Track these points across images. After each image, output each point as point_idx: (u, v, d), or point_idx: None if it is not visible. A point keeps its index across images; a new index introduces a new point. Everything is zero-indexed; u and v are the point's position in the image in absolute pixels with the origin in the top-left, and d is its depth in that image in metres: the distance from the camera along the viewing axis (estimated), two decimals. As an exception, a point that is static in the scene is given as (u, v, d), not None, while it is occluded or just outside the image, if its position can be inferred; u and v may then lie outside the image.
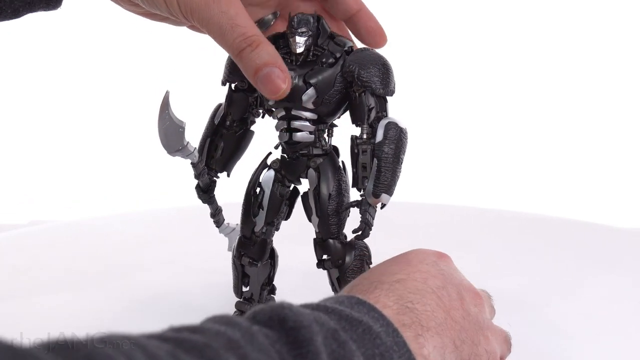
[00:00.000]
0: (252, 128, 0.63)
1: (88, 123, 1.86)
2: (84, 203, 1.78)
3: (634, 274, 0.80)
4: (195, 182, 0.63)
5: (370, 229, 0.55)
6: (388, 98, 0.56)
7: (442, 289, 0.47)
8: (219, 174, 0.63)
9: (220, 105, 0.62)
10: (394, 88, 0.56)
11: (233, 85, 0.60)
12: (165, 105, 0.59)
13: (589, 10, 1.83)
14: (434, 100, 1.78)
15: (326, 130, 0.58)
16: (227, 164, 0.62)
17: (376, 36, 0.59)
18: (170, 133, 0.59)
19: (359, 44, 0.59)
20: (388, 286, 0.45)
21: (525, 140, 1.85)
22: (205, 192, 0.63)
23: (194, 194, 0.64)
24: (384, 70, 0.55)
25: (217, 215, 0.65)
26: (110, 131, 1.85)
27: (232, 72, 0.59)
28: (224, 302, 0.65)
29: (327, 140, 0.58)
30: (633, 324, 0.67)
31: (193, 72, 1.71)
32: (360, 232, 0.54)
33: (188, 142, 0.60)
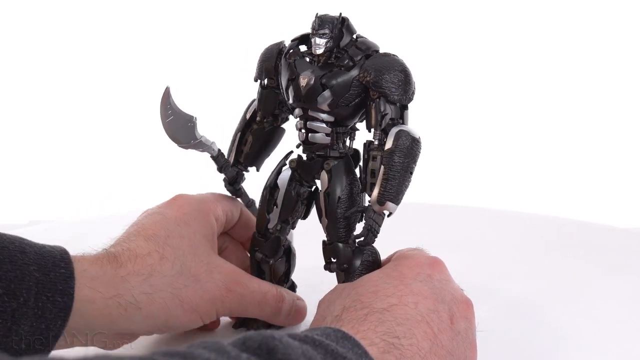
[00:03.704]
0: (285, 126, 0.63)
1: (88, 123, 1.86)
2: (84, 203, 1.78)
3: (637, 275, 0.80)
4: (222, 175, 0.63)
5: (375, 236, 0.54)
6: (409, 105, 0.55)
7: (432, 312, 0.48)
8: (248, 168, 0.63)
9: (254, 100, 0.62)
10: (412, 95, 0.55)
11: (264, 82, 0.60)
12: (165, 99, 0.59)
13: (589, 11, 1.83)
14: (435, 100, 1.78)
15: (347, 133, 0.58)
16: (256, 159, 0.63)
17: None
18: (177, 127, 0.60)
19: (383, 49, 0.58)
20: (378, 316, 0.46)
21: (526, 140, 1.85)
22: (232, 184, 0.63)
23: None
24: (402, 76, 0.54)
25: (249, 207, 0.65)
26: (110, 131, 1.85)
27: (262, 70, 0.59)
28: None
29: (347, 143, 0.58)
30: (636, 326, 0.67)
31: (195, 70, 1.71)
32: (362, 238, 0.54)
33: (203, 136, 0.60)
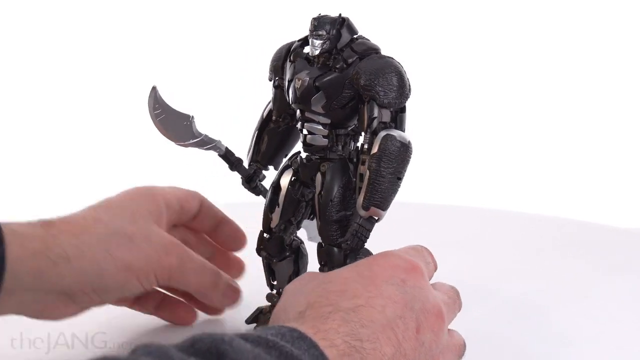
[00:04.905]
0: None
1: (88, 123, 1.86)
2: (84, 203, 1.78)
3: (637, 275, 0.80)
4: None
5: (362, 241, 0.54)
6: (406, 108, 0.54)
7: (399, 318, 0.47)
8: (268, 167, 0.63)
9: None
10: (405, 99, 0.54)
11: (275, 82, 0.60)
12: (152, 99, 0.59)
13: (589, 11, 1.83)
14: (435, 100, 1.78)
15: (349, 135, 0.57)
16: (273, 158, 0.63)
17: (238, 239, 0.66)
18: (172, 125, 0.60)
19: (385, 50, 0.56)
20: (343, 315, 0.45)
21: (526, 140, 1.85)
22: (248, 182, 0.63)
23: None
24: (395, 80, 0.53)
25: None
26: (110, 131, 1.85)
27: (272, 70, 0.60)
28: (256, 291, 0.64)
29: (350, 146, 0.57)
30: (636, 326, 0.67)
31: (200, 70, 1.71)
32: (347, 242, 0.54)
33: (205, 134, 0.60)
